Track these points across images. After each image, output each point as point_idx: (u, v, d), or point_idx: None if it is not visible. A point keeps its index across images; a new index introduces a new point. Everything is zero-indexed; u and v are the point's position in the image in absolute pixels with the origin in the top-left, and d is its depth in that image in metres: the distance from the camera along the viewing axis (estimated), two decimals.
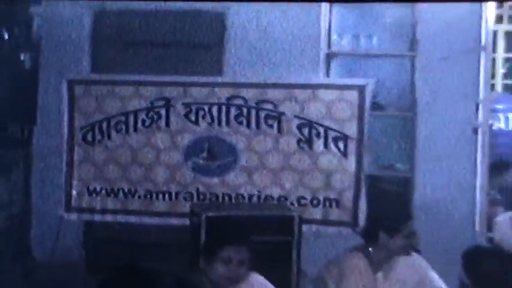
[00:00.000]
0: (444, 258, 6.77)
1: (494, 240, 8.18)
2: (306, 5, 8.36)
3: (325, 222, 7.97)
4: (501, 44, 12.75)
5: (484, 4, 8.23)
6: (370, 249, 6.40)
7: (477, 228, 8.16)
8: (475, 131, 8.21)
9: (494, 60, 12.53)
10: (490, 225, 8.39)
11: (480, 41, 8.26)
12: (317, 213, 7.97)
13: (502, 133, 11.22)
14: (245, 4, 8.39)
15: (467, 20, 8.26)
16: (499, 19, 12.53)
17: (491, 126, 10.85)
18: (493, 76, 12.46)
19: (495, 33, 12.45)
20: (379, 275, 6.36)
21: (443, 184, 8.21)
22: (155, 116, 8.21)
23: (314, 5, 8.37)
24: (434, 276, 6.52)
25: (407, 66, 8.50)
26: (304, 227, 7.54)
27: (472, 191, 8.22)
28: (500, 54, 12.72)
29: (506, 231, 8.15)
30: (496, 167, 9.62)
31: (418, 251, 6.73)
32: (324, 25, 8.46)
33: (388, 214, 6.84)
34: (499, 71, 12.70)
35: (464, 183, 8.22)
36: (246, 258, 5.63)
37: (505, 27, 12.67)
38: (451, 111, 8.25)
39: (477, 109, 8.24)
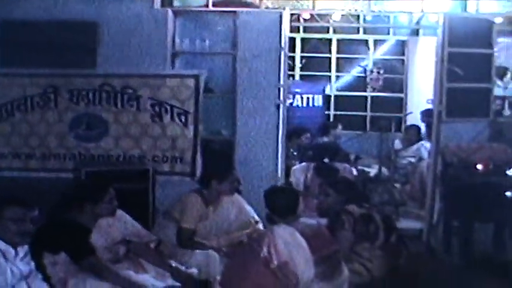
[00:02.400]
0: (257, 197, 6.95)
1: (291, 183, 8.56)
2: (155, 16, 8.41)
3: (172, 173, 8.11)
4: (298, 46, 13.14)
5: (282, 17, 8.47)
6: (203, 191, 6.73)
7: (279, 175, 8.35)
8: (278, 107, 8.34)
9: (294, 58, 12.98)
10: (288, 173, 8.80)
11: (281, 44, 8.38)
12: (166, 167, 8.11)
13: (299, 109, 11.63)
14: (113, 16, 8.41)
15: (272, 28, 8.38)
16: (298, 29, 12.93)
17: (291, 104, 11.32)
18: (293, 69, 12.91)
19: (294, 39, 12.88)
20: (210, 208, 6.69)
21: (256, 145, 8.33)
22: (47, 99, 8.23)
23: (162, 17, 8.44)
24: (248, 208, 6.90)
25: (230, 61, 8.53)
26: (158, 177, 7.86)
27: (275, 149, 8.35)
28: (298, 53, 13.10)
29: (299, 177, 8.52)
30: (294, 133, 10.05)
31: (239, 192, 7.08)
32: (170, 31, 8.48)
33: (218, 167, 7.17)
34: (298, 65, 13.08)
35: (271, 144, 8.33)
36: (115, 198, 5.87)
37: (301, 35, 13.05)
38: (261, 93, 8.35)
39: (279, 92, 8.37)
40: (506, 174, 7.63)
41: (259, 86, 8.39)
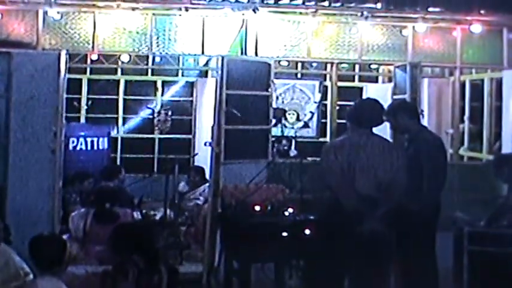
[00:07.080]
0: None
1: (70, 230, 8.36)
2: None
3: None
4: (85, 88, 12.98)
5: (60, 59, 8.34)
6: None
7: (55, 222, 8.17)
8: (53, 152, 8.19)
9: (80, 100, 12.83)
10: (68, 219, 8.55)
11: (58, 86, 8.29)
12: None
13: (83, 152, 11.38)
14: None
15: (49, 70, 8.26)
16: (85, 71, 12.83)
17: (75, 147, 11.11)
18: (79, 111, 12.76)
19: (81, 80, 12.79)
20: None
21: (31, 191, 8.14)
22: None
23: None
24: (18, 259, 6.63)
25: (4, 104, 8.30)
26: None
27: (52, 195, 8.17)
28: (84, 95, 12.97)
29: (78, 223, 8.32)
30: (77, 177, 9.84)
31: (8, 242, 6.81)
32: None
33: None
34: (84, 107, 12.92)
35: (47, 190, 8.16)
36: None
37: (87, 76, 12.95)
38: (36, 137, 8.17)
39: (55, 135, 8.21)
40: (283, 215, 7.82)
41: (34, 130, 8.22)
